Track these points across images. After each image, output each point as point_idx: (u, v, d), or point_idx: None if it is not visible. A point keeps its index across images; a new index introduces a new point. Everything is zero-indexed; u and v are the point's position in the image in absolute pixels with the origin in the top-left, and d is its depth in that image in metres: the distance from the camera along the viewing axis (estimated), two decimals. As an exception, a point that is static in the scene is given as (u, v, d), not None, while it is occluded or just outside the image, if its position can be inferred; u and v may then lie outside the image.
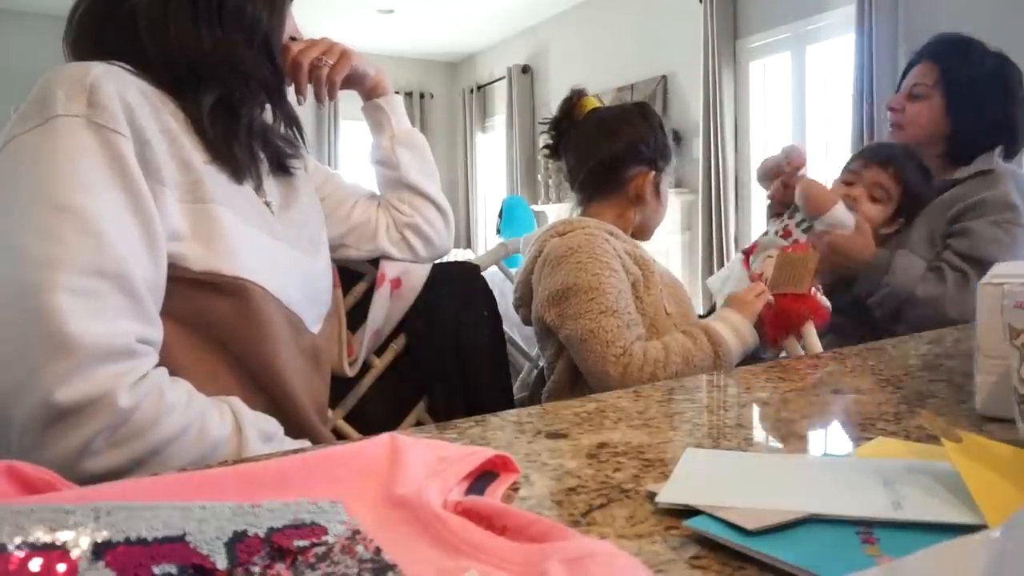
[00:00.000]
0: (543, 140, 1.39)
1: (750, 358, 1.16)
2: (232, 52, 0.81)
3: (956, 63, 1.48)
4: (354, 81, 1.03)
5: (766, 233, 1.46)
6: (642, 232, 1.31)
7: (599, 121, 1.28)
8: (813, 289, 1.18)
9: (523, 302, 1.25)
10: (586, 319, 1.08)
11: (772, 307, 1.17)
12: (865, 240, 1.35)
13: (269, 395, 0.78)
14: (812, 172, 1.54)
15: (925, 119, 1.50)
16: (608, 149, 1.25)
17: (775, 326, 1.16)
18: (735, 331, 1.11)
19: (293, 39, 0.93)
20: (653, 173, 1.25)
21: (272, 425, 0.76)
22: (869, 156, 1.44)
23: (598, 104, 1.32)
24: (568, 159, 1.33)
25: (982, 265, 1.28)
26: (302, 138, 0.98)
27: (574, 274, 1.11)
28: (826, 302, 1.19)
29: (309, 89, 0.96)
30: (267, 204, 0.86)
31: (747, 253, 1.40)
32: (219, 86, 0.80)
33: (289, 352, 0.81)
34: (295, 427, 0.79)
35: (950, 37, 1.55)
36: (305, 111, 6.80)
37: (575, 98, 1.31)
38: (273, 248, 0.81)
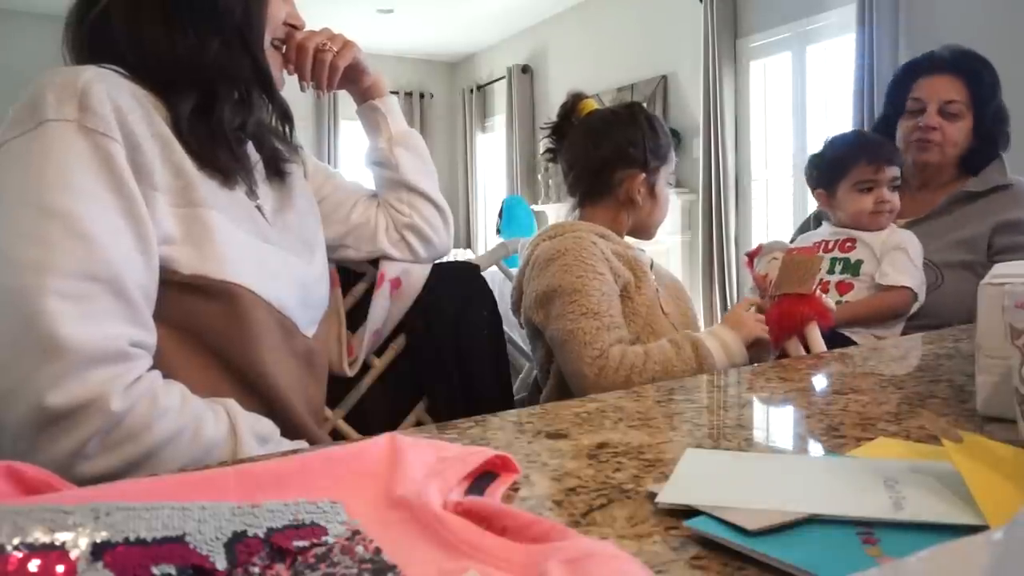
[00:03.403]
0: (543, 145, 1.39)
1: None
2: (206, 54, 0.79)
3: (987, 86, 1.49)
4: (354, 74, 1.03)
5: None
6: (642, 232, 1.31)
7: (587, 127, 1.29)
8: (818, 291, 1.17)
9: (518, 305, 1.26)
10: (567, 320, 1.09)
11: (775, 307, 1.16)
12: None
13: (260, 398, 0.78)
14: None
15: (962, 138, 1.50)
16: (595, 154, 1.26)
17: (778, 327, 1.15)
18: (724, 346, 1.09)
19: (293, 26, 0.92)
20: (643, 175, 1.25)
21: (268, 427, 0.76)
22: (879, 158, 1.44)
23: (596, 107, 1.32)
24: (562, 164, 1.34)
25: None
26: (291, 134, 0.97)
27: (559, 276, 1.12)
28: (830, 303, 1.18)
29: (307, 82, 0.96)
30: (259, 208, 0.85)
31: (751, 256, 1.39)
32: (196, 91, 0.79)
33: (280, 355, 0.80)
34: (288, 429, 0.79)
35: (971, 54, 1.54)
36: (305, 111, 6.74)
37: (573, 102, 1.32)
38: (265, 252, 0.81)
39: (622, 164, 1.25)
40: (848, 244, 1.46)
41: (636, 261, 1.21)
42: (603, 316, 1.09)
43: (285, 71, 0.94)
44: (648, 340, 1.15)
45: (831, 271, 1.45)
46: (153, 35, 0.78)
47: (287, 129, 0.96)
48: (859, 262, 1.43)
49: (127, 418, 0.62)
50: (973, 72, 1.50)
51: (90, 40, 0.80)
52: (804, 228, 1.67)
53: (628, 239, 1.30)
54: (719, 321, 1.23)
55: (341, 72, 0.98)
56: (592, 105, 1.32)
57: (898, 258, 1.40)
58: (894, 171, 1.44)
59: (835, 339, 1.24)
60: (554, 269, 1.13)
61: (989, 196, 1.47)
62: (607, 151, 1.25)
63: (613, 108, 1.33)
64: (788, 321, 1.15)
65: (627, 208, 1.27)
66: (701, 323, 1.35)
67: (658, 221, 1.32)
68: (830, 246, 1.48)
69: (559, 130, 1.34)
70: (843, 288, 1.43)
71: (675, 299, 1.29)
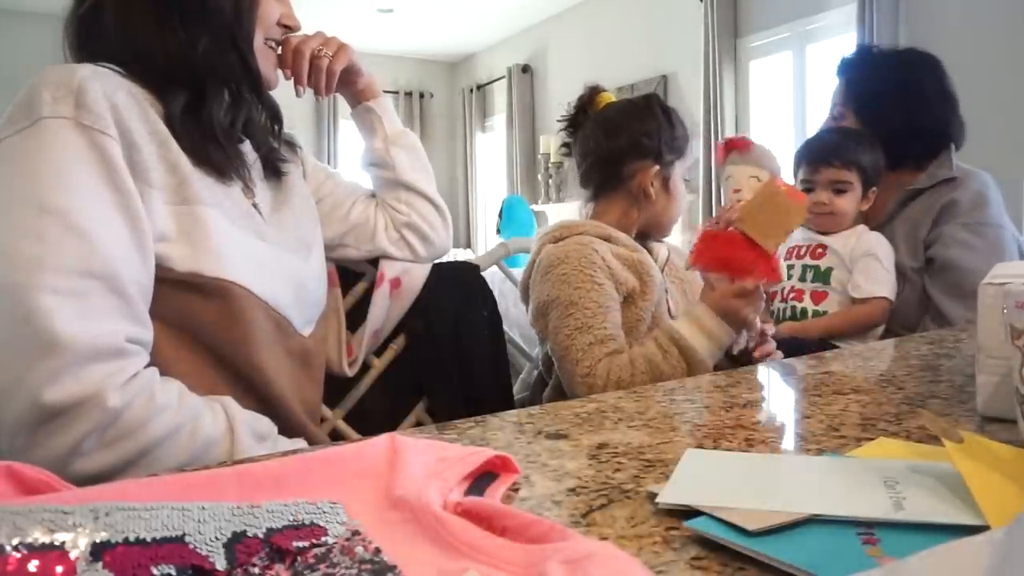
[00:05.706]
0: (559, 139, 1.37)
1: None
2: (195, 51, 0.79)
3: (856, 77, 1.53)
4: (349, 77, 1.03)
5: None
6: (656, 229, 1.27)
7: (602, 117, 1.26)
8: (779, 254, 1.06)
9: (525, 299, 1.24)
10: (562, 335, 1.09)
11: (725, 239, 1.03)
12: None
13: (256, 396, 0.78)
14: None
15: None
16: (608, 145, 1.23)
17: (718, 261, 1.04)
18: (709, 336, 1.04)
19: (288, 27, 0.92)
20: (657, 167, 1.21)
21: (266, 425, 0.76)
22: (815, 159, 1.46)
23: (613, 100, 1.29)
24: (576, 156, 1.30)
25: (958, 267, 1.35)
26: (279, 132, 0.97)
27: (558, 286, 1.11)
28: (782, 271, 1.09)
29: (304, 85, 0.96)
30: (255, 206, 0.85)
31: (731, 146, 1.20)
32: (187, 88, 0.79)
33: (275, 354, 0.80)
34: (285, 428, 0.79)
35: (852, 54, 1.59)
36: (304, 112, 6.71)
37: (590, 95, 1.29)
38: (260, 250, 0.81)
39: (635, 155, 1.21)
40: (819, 251, 1.47)
41: (642, 264, 1.17)
42: (596, 329, 1.07)
43: (282, 75, 0.94)
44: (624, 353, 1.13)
45: (803, 279, 1.46)
46: (143, 30, 0.78)
47: (276, 128, 0.96)
48: (829, 270, 1.44)
49: (124, 415, 0.63)
50: (847, 69, 1.53)
51: (83, 35, 0.80)
52: None
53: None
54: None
55: (338, 77, 0.98)
56: (609, 98, 1.29)
57: (870, 266, 1.39)
58: (832, 173, 1.43)
59: (821, 345, 1.23)
60: (553, 278, 1.12)
61: (934, 189, 1.43)
62: (621, 142, 1.22)
63: (630, 99, 1.29)
64: (731, 265, 1.03)
65: (640, 203, 1.23)
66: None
67: (673, 218, 1.27)
68: (802, 251, 1.50)
69: (575, 123, 1.31)
70: (817, 297, 1.43)
71: (687, 295, 1.27)
